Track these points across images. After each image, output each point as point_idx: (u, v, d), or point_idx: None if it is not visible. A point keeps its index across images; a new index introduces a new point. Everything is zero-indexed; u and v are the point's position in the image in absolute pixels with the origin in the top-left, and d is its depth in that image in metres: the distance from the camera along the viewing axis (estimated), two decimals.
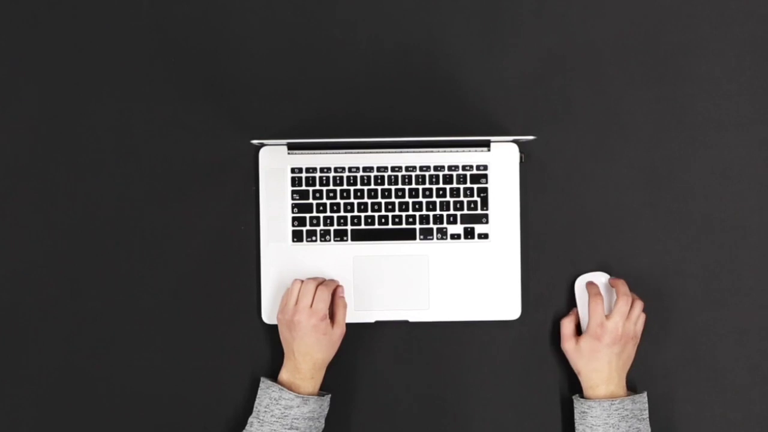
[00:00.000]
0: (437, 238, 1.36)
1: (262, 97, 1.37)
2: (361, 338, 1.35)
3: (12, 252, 1.36)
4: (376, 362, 1.36)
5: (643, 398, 1.29)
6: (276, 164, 1.35)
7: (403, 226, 1.36)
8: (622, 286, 1.31)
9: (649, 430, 1.28)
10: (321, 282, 1.30)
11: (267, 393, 1.26)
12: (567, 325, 1.32)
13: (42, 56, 1.37)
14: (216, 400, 1.36)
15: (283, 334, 1.29)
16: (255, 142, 1.30)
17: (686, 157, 1.37)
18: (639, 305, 1.30)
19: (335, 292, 1.31)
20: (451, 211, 1.36)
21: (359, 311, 1.35)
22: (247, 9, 1.38)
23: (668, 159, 1.37)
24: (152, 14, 1.38)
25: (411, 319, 1.35)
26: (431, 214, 1.35)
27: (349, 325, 1.32)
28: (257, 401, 1.28)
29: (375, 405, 1.36)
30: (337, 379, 1.32)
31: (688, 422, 1.36)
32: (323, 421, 1.28)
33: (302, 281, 1.29)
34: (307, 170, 1.36)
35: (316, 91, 1.37)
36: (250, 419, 1.27)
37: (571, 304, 1.36)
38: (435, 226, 1.36)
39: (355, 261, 1.35)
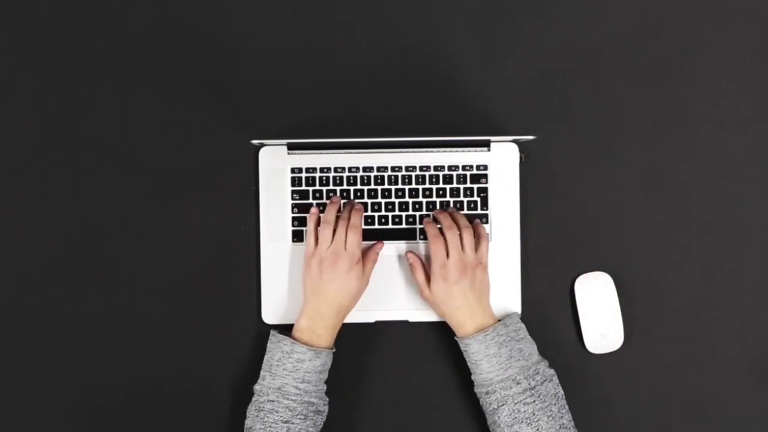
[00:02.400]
0: None
1: (262, 97, 1.37)
2: (361, 338, 1.35)
3: (12, 252, 1.36)
4: (376, 362, 1.37)
5: (513, 319, 1.28)
6: (276, 164, 1.35)
7: (403, 226, 1.36)
8: (445, 219, 1.30)
9: (534, 346, 1.27)
10: (346, 218, 1.29)
11: (278, 347, 1.25)
12: (419, 275, 1.31)
13: (42, 56, 1.37)
14: (216, 400, 1.36)
15: (312, 277, 1.27)
16: (255, 142, 1.30)
17: (686, 157, 1.37)
18: (467, 232, 1.29)
19: (373, 247, 1.31)
20: None
21: (359, 311, 1.34)
22: (247, 9, 1.38)
23: (668, 159, 1.37)
24: (152, 14, 1.38)
25: (411, 319, 1.35)
26: (431, 214, 1.35)
27: (349, 325, 1.32)
28: (268, 355, 1.26)
29: (375, 405, 1.36)
30: (337, 379, 1.32)
31: (688, 422, 1.36)
32: (327, 373, 1.28)
33: (329, 222, 1.28)
34: (307, 170, 1.36)
35: (316, 91, 1.37)
36: (262, 373, 1.26)
37: (572, 304, 1.36)
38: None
39: None
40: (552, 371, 1.26)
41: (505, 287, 1.35)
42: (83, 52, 1.37)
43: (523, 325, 1.29)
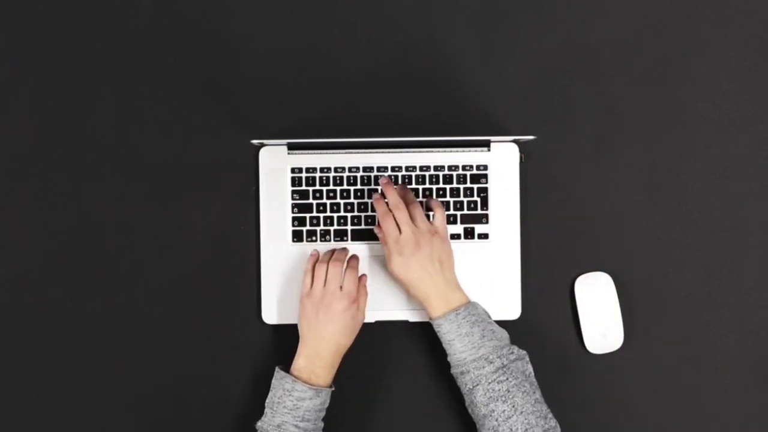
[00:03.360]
0: None
1: (262, 97, 1.37)
2: (361, 338, 1.35)
3: (12, 252, 1.36)
4: (376, 362, 1.36)
5: (482, 305, 1.28)
6: (276, 164, 1.35)
7: None
8: (392, 195, 1.29)
9: (506, 333, 1.27)
10: (341, 259, 1.30)
11: (281, 384, 1.25)
12: (385, 249, 1.30)
13: (42, 56, 1.37)
14: (216, 400, 1.36)
15: (308, 318, 1.27)
16: (255, 142, 1.30)
17: (686, 157, 1.37)
18: (416, 206, 1.28)
19: (360, 281, 1.31)
20: (451, 211, 1.36)
21: None
22: (247, 9, 1.38)
23: (668, 159, 1.37)
24: (152, 14, 1.38)
25: (411, 319, 1.35)
26: (431, 214, 1.35)
27: None
28: (272, 392, 1.26)
29: (375, 405, 1.36)
30: (338, 379, 1.32)
31: (688, 422, 1.36)
32: (325, 411, 1.28)
33: (325, 262, 1.28)
34: (307, 170, 1.36)
35: (316, 91, 1.37)
36: (266, 410, 1.26)
37: (572, 303, 1.36)
38: None
39: None
40: (524, 352, 1.25)
41: (505, 287, 1.35)
42: (83, 52, 1.37)
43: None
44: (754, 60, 1.38)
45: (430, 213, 1.31)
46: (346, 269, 1.29)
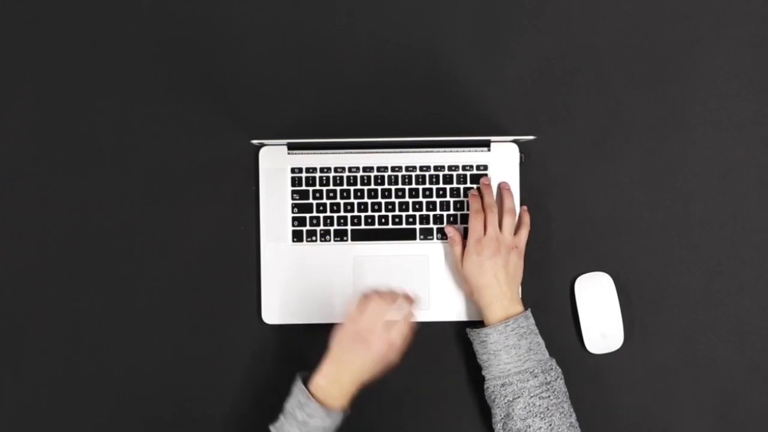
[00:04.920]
0: (437, 238, 1.36)
1: (262, 97, 1.37)
2: None
3: (12, 252, 1.36)
4: None
5: (530, 313, 1.28)
6: (276, 164, 1.35)
7: (403, 226, 1.36)
8: (488, 197, 1.31)
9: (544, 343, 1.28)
10: (396, 297, 1.22)
11: (296, 395, 1.20)
12: (456, 249, 1.31)
13: (42, 56, 1.37)
14: (216, 400, 1.36)
15: (344, 341, 1.20)
16: (255, 142, 1.30)
17: (686, 157, 1.37)
18: (511, 215, 1.30)
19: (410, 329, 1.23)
20: (452, 211, 1.36)
21: None
22: (247, 9, 1.38)
23: (668, 159, 1.37)
24: (152, 14, 1.38)
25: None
26: (431, 214, 1.35)
27: None
28: (290, 398, 1.21)
29: (375, 405, 1.36)
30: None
31: (688, 422, 1.36)
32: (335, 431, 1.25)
33: (388, 297, 1.21)
34: (307, 170, 1.36)
35: (316, 91, 1.37)
36: (284, 412, 1.21)
37: (572, 303, 1.36)
38: (435, 226, 1.36)
39: (355, 261, 1.35)
40: (560, 369, 1.27)
41: None
42: (83, 52, 1.37)
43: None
44: (754, 60, 1.38)
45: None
46: (403, 317, 1.21)
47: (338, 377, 1.20)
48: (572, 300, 1.36)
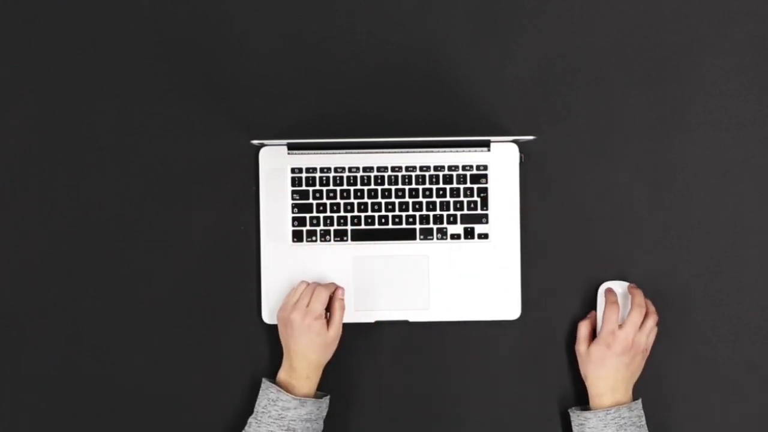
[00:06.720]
0: (437, 238, 1.36)
1: (262, 97, 1.37)
2: (361, 338, 1.35)
3: (12, 252, 1.36)
4: (376, 362, 1.36)
5: (638, 405, 1.28)
6: (276, 164, 1.35)
7: (403, 226, 1.36)
8: (638, 296, 1.30)
9: None
10: (324, 285, 1.30)
11: (266, 394, 1.26)
12: (583, 328, 1.32)
13: (42, 56, 1.37)
14: (216, 401, 1.36)
15: (281, 332, 1.30)
16: (255, 142, 1.30)
17: (686, 157, 1.37)
18: (653, 318, 1.29)
19: (334, 294, 1.30)
20: (451, 211, 1.36)
21: (359, 311, 1.35)
22: (247, 9, 1.38)
23: (668, 159, 1.37)
24: (152, 14, 1.38)
25: (411, 319, 1.35)
26: (431, 214, 1.35)
27: (349, 325, 1.32)
28: (257, 401, 1.28)
29: (375, 405, 1.36)
30: (337, 379, 1.32)
31: (688, 422, 1.36)
32: (322, 422, 1.28)
33: (308, 283, 1.30)
34: (307, 170, 1.36)
35: (316, 91, 1.37)
36: (250, 419, 1.27)
37: (571, 303, 1.36)
38: (435, 226, 1.36)
39: (355, 261, 1.35)
40: None
41: (505, 287, 1.35)
42: (82, 52, 1.37)
43: (642, 413, 1.29)
44: (754, 60, 1.38)
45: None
46: (317, 287, 1.28)
47: (291, 365, 1.27)
48: (572, 300, 1.36)
